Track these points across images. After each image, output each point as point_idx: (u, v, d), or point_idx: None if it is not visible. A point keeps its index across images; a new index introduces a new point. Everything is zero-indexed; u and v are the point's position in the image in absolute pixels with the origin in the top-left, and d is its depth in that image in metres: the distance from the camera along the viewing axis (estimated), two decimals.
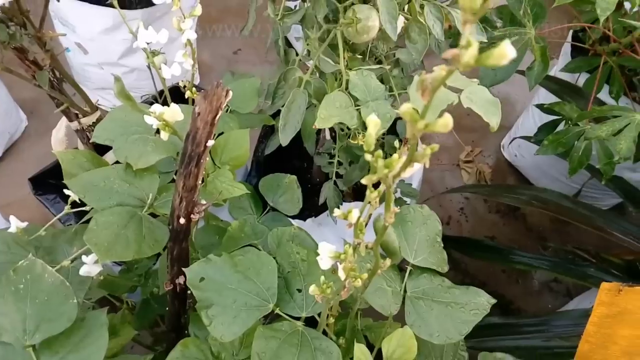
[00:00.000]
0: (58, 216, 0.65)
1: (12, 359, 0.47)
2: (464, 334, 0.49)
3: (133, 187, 0.55)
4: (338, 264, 0.37)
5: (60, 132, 1.08)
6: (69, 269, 0.58)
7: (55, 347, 0.48)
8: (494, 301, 0.53)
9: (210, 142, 0.44)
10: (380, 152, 0.29)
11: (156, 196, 0.56)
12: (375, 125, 0.28)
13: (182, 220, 0.50)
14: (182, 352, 0.50)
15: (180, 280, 0.57)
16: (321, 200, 0.89)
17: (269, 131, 1.21)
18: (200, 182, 0.47)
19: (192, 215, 0.50)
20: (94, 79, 1.67)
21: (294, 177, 0.72)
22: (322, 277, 0.42)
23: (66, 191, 0.65)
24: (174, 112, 0.47)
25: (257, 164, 1.15)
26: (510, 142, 1.61)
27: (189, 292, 0.61)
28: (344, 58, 0.66)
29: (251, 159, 1.20)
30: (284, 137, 0.63)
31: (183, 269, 0.47)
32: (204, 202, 0.51)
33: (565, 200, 1.04)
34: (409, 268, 0.54)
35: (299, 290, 0.47)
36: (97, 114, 1.06)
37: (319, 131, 1.01)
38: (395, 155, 0.28)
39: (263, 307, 0.44)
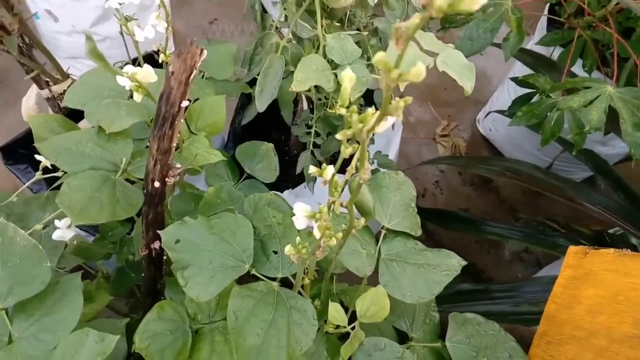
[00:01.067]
0: (29, 182, 0.64)
1: None
2: (435, 294, 0.50)
3: (106, 151, 0.54)
4: (314, 223, 0.38)
5: (30, 100, 1.05)
6: (42, 235, 0.57)
7: (29, 310, 0.47)
8: (464, 263, 0.54)
9: (185, 103, 0.43)
10: (354, 107, 0.29)
11: (130, 161, 0.55)
12: (350, 79, 0.28)
13: (156, 184, 0.50)
14: (158, 314, 0.50)
15: (156, 245, 0.57)
16: (298, 170, 0.89)
17: (245, 102, 1.20)
18: (174, 144, 0.47)
19: (167, 179, 0.50)
20: (65, 47, 1.62)
21: (271, 145, 0.72)
22: (298, 238, 0.42)
23: (37, 156, 0.64)
24: (147, 73, 0.47)
25: (234, 135, 1.14)
26: (486, 116, 1.63)
27: (164, 257, 0.61)
28: (322, 25, 0.65)
29: (228, 130, 1.19)
30: (260, 104, 0.62)
31: (158, 231, 0.47)
32: (178, 165, 0.50)
33: (537, 171, 1.06)
34: (383, 231, 0.55)
35: (275, 252, 0.47)
36: (68, 81, 1.03)
37: (296, 102, 1.01)
38: (369, 110, 0.28)
39: (239, 267, 0.44)
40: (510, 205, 1.58)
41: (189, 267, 0.44)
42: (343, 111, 0.28)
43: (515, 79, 1.17)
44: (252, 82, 0.90)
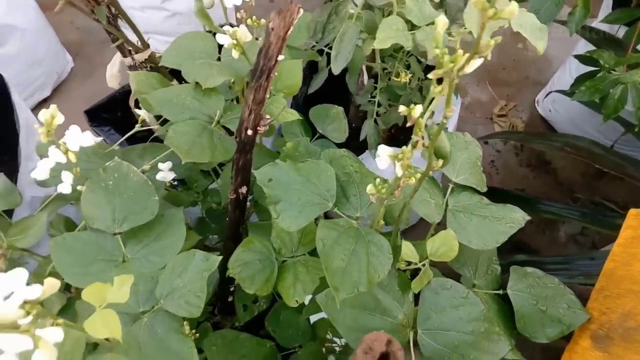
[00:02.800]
0: (132, 132, 0.72)
1: (102, 244, 0.54)
2: (499, 242, 0.54)
3: (202, 104, 0.61)
4: (396, 162, 0.43)
5: (114, 68, 1.14)
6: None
7: (139, 236, 0.55)
8: (528, 218, 0.58)
9: (281, 57, 0.49)
10: (446, 49, 0.33)
11: (222, 114, 0.62)
12: (444, 24, 0.33)
13: (249, 132, 0.56)
14: (248, 246, 0.56)
15: (243, 190, 0.63)
16: (361, 137, 0.94)
17: (308, 75, 1.26)
18: (268, 95, 0.53)
19: (258, 128, 0.56)
20: (137, 22, 1.72)
21: (341, 108, 0.77)
22: (377, 180, 0.47)
23: (137, 111, 0.72)
24: (245, 33, 0.52)
25: (296, 107, 1.20)
26: (546, 96, 1.61)
27: (248, 203, 0.68)
28: None
29: (290, 103, 1.25)
30: (335, 67, 0.67)
31: (253, 171, 0.53)
32: (268, 117, 0.56)
33: (598, 147, 1.06)
34: (450, 185, 0.59)
35: (354, 195, 0.52)
36: (149, 51, 1.12)
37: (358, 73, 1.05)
38: (460, 51, 0.33)
39: (323, 204, 0.50)
40: (567, 187, 1.57)
41: (281, 202, 0.50)
42: (437, 51, 0.32)
43: (579, 56, 1.16)
44: (320, 52, 0.95)
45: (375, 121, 0.92)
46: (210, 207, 0.77)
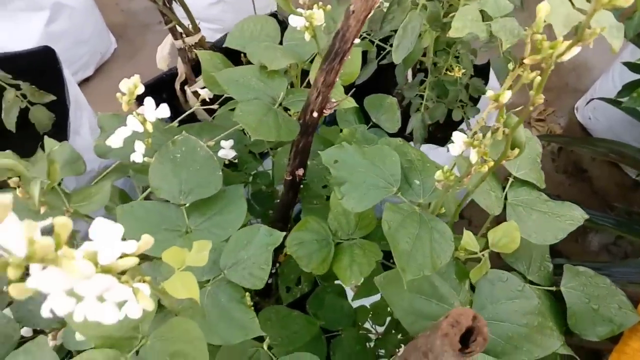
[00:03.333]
0: (191, 110, 0.73)
1: (167, 214, 0.55)
2: (559, 239, 0.54)
3: (266, 86, 0.62)
4: (471, 148, 0.43)
5: (164, 50, 1.16)
6: None
7: (202, 209, 0.56)
8: (587, 216, 0.58)
9: (357, 41, 0.49)
10: (544, 35, 0.34)
11: (284, 96, 0.63)
12: (545, 10, 0.33)
13: (314, 114, 0.57)
14: (305, 226, 0.58)
15: (300, 172, 0.64)
16: (407, 130, 0.94)
17: None
18: (338, 79, 0.53)
19: (324, 110, 0.57)
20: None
21: (395, 98, 0.77)
22: (446, 166, 0.48)
23: (199, 90, 0.73)
24: (321, 15, 0.53)
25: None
26: (587, 103, 1.59)
27: (301, 185, 0.69)
28: None
29: None
30: (397, 56, 0.68)
31: (319, 151, 0.54)
32: (334, 100, 0.57)
33: None
34: (510, 179, 0.59)
35: (417, 182, 0.53)
36: (200, 34, 1.14)
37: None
38: (560, 38, 0.33)
39: (387, 188, 0.51)
40: (602, 197, 1.55)
41: (346, 183, 0.50)
42: (538, 36, 0.33)
43: (628, 64, 1.15)
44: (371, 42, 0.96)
45: (423, 115, 0.93)
46: (259, 189, 0.78)
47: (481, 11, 0.57)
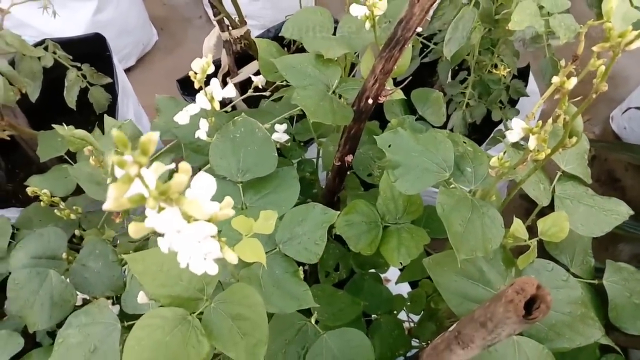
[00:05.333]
0: (246, 95, 0.76)
1: (224, 191, 0.58)
2: (605, 231, 0.56)
3: (321, 73, 0.64)
4: (530, 135, 0.45)
5: (211, 41, 1.19)
6: None
7: (257, 188, 0.59)
8: (632, 212, 0.59)
9: (419, 29, 0.51)
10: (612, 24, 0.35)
11: (338, 84, 0.65)
12: (615, 0, 0.35)
13: (369, 101, 0.59)
14: (355, 208, 0.60)
15: (349, 158, 0.66)
16: (448, 127, 0.95)
17: None
18: (396, 67, 0.56)
19: (379, 98, 0.59)
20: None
21: (441, 93, 0.79)
22: (501, 154, 0.49)
23: (253, 77, 0.76)
24: (384, 4, 0.55)
25: None
26: (624, 113, 1.58)
27: (348, 173, 0.71)
28: None
29: None
30: (447, 50, 0.70)
31: (375, 137, 0.56)
32: (389, 88, 0.59)
33: None
34: (558, 173, 0.60)
35: (469, 169, 0.55)
36: (245, 27, 1.17)
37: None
38: (629, 27, 0.35)
39: (440, 174, 0.53)
40: (635, 206, 1.53)
41: (400, 167, 0.52)
42: (609, 24, 0.34)
43: None
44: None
45: (465, 112, 0.94)
46: (303, 177, 0.80)
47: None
